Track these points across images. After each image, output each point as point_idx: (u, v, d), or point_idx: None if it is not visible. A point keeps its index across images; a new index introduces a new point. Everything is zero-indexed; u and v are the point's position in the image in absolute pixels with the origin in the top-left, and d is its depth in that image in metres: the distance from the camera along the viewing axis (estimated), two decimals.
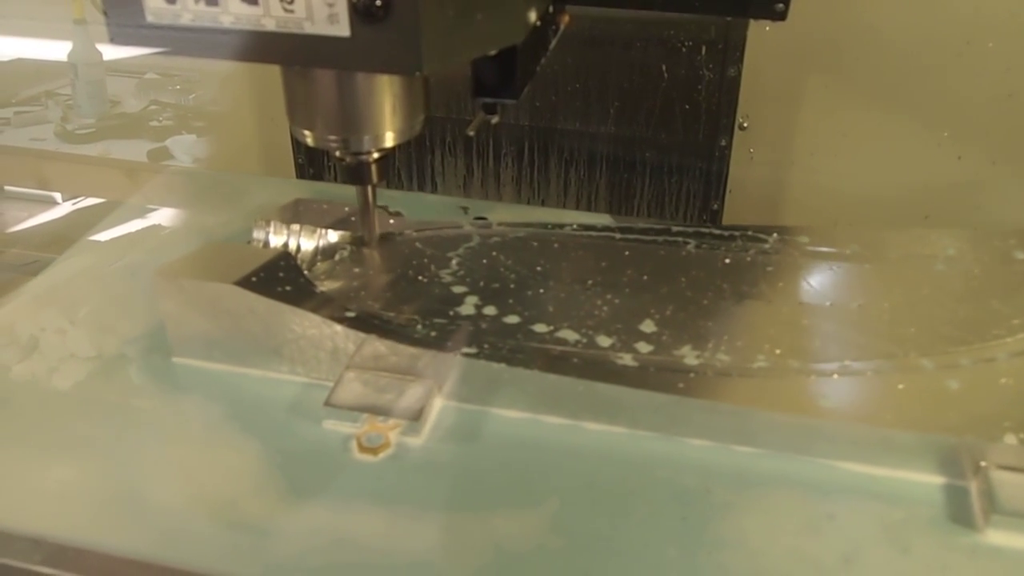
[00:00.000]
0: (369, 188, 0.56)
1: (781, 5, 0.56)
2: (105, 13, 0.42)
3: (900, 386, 0.48)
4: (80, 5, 1.71)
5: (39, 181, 1.69)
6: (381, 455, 0.48)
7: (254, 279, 0.51)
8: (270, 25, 0.40)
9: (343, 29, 0.39)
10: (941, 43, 0.75)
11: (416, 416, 0.48)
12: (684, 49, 0.75)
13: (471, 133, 0.81)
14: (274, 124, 0.94)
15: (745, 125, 0.81)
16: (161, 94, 1.82)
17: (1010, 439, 0.44)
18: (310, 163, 0.90)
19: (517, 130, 0.83)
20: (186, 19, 0.41)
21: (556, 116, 0.81)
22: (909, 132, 0.80)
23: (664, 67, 0.77)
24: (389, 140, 0.50)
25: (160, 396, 0.52)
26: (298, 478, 0.46)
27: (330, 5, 0.38)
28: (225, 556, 0.42)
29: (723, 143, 0.78)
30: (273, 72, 0.49)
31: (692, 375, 0.49)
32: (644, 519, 0.44)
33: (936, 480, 0.46)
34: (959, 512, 0.44)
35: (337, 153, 0.52)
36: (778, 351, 0.50)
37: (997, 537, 0.42)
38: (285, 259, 0.54)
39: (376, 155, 0.53)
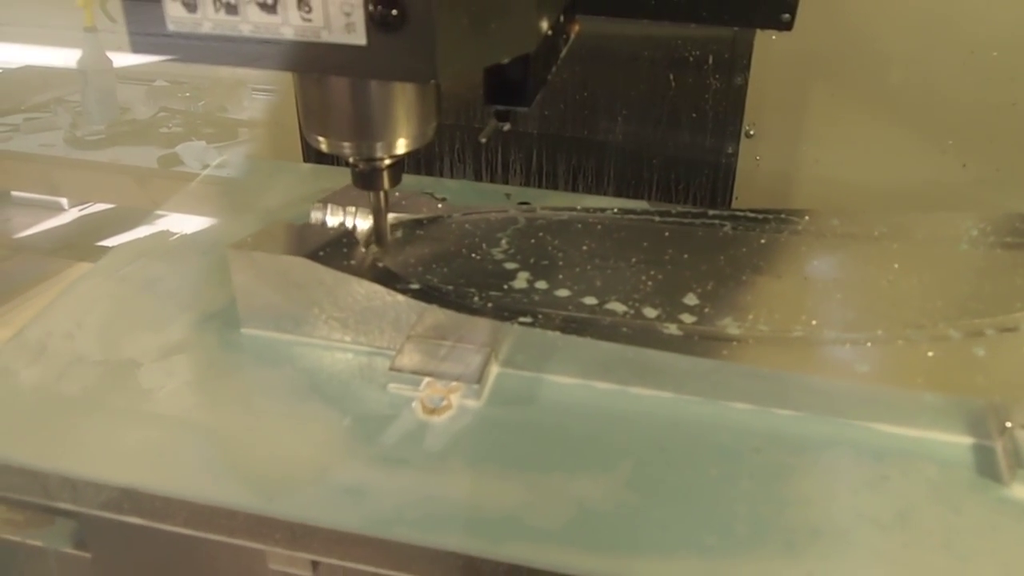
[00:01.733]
0: (381, 193, 0.58)
1: (787, 15, 0.58)
2: (115, 20, 0.43)
3: (930, 353, 0.51)
4: (90, 13, 1.73)
5: (49, 187, 1.70)
6: (444, 416, 0.50)
7: (321, 253, 0.54)
8: (288, 34, 0.40)
9: (360, 38, 0.39)
10: (945, 52, 0.76)
11: (476, 379, 0.51)
12: (691, 59, 0.76)
13: (483, 140, 0.83)
14: (284, 131, 0.95)
15: (751, 133, 0.81)
16: (170, 101, 1.84)
17: None
18: None
19: (526, 138, 0.84)
20: (206, 28, 0.41)
21: (564, 124, 0.82)
22: (914, 140, 0.80)
23: (671, 76, 0.78)
24: (402, 147, 0.51)
25: (231, 364, 0.55)
26: (373, 437, 0.49)
27: (347, 14, 0.39)
28: (322, 510, 0.44)
29: (730, 151, 0.80)
30: (284, 80, 0.50)
31: (734, 343, 0.52)
32: (709, 477, 0.47)
33: (965, 440, 0.49)
34: (986, 469, 0.47)
35: (350, 159, 0.53)
36: (814, 322, 0.54)
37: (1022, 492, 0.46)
38: (347, 236, 0.57)
39: (388, 161, 0.53)
